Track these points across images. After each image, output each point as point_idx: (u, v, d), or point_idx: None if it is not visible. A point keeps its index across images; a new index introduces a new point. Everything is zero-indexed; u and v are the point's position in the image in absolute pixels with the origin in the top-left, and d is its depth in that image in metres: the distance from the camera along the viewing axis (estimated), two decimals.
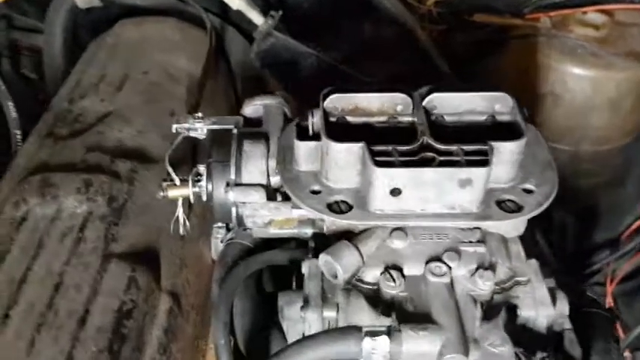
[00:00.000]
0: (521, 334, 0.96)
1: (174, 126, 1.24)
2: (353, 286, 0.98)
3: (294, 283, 1.23)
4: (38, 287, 0.99)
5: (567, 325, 1.01)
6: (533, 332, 1.00)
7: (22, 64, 2.23)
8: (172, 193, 1.14)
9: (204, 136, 1.27)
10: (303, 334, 1.05)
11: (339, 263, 0.94)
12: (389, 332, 0.84)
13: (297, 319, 1.04)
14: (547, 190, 1.03)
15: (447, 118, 1.10)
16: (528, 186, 1.04)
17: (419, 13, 2.07)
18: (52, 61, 1.96)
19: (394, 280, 0.93)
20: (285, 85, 1.73)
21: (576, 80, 1.89)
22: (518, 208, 1.01)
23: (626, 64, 1.87)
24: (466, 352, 0.84)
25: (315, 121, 1.09)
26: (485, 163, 0.96)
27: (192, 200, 1.17)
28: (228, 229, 1.36)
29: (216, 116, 1.28)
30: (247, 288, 1.21)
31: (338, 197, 1.04)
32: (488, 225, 1.00)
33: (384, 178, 0.97)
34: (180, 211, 1.16)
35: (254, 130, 1.24)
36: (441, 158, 0.98)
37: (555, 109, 1.92)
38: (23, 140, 1.63)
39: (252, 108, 1.30)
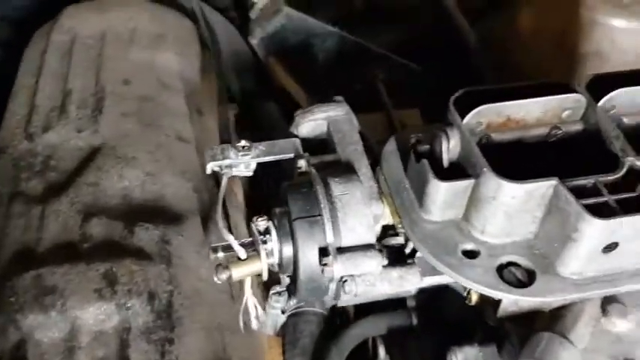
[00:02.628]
0: None
1: (210, 165, 0.86)
2: None
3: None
4: None
5: None
6: None
7: None
8: (239, 272, 0.76)
9: (251, 173, 0.89)
10: None
11: None
12: None
13: None
14: None
15: (627, 121, 0.78)
16: None
17: None
18: None
19: None
20: (297, 77, 1.34)
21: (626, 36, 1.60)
22: None
23: None
24: None
25: (451, 146, 0.73)
26: None
27: (264, 277, 0.79)
28: (290, 294, 0.99)
29: (263, 142, 0.89)
30: None
31: (504, 258, 0.71)
32: None
33: (603, 232, 0.64)
34: (249, 297, 0.78)
35: (328, 159, 0.87)
36: None
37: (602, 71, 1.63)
38: None
39: (311, 125, 0.93)
